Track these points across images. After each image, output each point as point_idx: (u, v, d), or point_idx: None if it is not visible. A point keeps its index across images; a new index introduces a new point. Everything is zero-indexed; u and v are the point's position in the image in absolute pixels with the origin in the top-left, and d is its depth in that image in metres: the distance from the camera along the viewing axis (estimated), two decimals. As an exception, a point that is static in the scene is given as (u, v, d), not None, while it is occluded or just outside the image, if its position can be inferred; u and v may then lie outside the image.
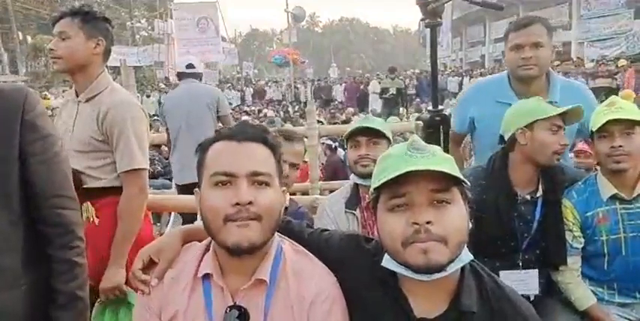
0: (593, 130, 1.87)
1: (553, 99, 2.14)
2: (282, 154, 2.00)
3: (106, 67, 2.20)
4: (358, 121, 2.08)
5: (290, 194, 2.22)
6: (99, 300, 1.98)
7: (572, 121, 1.93)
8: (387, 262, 1.09)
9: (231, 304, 1.14)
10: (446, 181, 1.04)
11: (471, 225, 1.09)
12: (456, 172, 1.05)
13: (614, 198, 1.88)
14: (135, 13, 33.75)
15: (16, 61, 28.02)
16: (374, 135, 1.99)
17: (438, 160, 1.06)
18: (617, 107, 1.83)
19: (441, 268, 1.02)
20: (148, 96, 17.39)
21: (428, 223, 1.02)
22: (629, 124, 1.81)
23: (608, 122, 1.81)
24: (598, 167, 1.98)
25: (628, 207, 1.87)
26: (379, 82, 15.84)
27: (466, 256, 1.08)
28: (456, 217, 1.05)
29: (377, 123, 2.03)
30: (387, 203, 1.07)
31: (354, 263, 1.19)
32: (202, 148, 1.18)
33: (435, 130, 2.37)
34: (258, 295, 1.14)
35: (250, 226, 1.08)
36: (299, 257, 1.20)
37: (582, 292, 1.92)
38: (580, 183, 1.97)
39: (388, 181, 1.04)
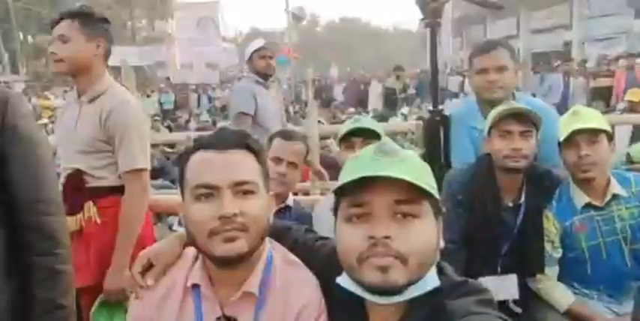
0: (561, 141, 1.88)
1: None
2: (280, 155, 2.03)
3: (107, 67, 2.20)
4: (351, 123, 2.06)
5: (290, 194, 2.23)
6: (100, 296, 1.99)
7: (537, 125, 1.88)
8: (343, 279, 0.96)
9: (220, 314, 1.12)
10: (413, 192, 0.90)
11: (442, 244, 0.96)
12: (425, 182, 0.91)
13: (588, 206, 1.89)
14: (135, 13, 33.74)
15: (16, 61, 28.02)
16: (368, 135, 1.96)
17: (407, 167, 0.90)
18: (581, 116, 1.85)
19: (397, 290, 0.89)
20: (148, 96, 17.33)
21: (387, 238, 0.88)
22: (594, 133, 1.83)
23: (573, 132, 1.82)
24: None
25: (602, 213, 1.88)
26: (379, 81, 15.80)
27: (431, 281, 0.93)
28: (420, 234, 0.91)
29: (370, 123, 2.03)
30: (346, 212, 0.94)
31: (333, 277, 1.05)
32: (181, 160, 1.13)
33: (435, 130, 2.38)
34: (248, 306, 1.12)
35: (237, 238, 1.05)
36: (289, 267, 1.17)
37: (560, 293, 1.93)
38: (557, 190, 1.97)
39: (348, 188, 0.92)
